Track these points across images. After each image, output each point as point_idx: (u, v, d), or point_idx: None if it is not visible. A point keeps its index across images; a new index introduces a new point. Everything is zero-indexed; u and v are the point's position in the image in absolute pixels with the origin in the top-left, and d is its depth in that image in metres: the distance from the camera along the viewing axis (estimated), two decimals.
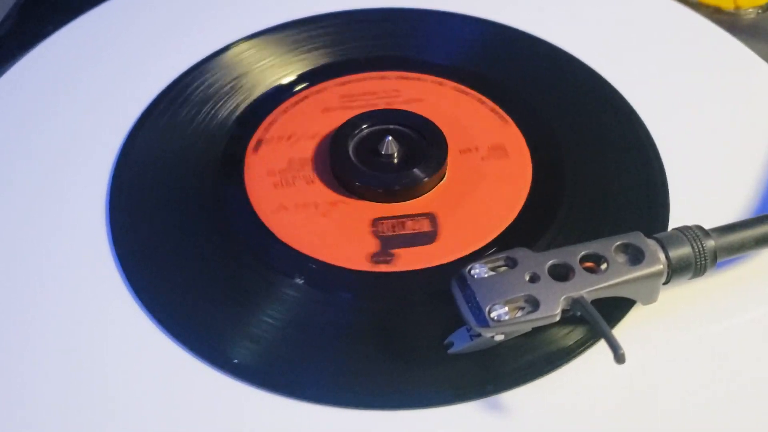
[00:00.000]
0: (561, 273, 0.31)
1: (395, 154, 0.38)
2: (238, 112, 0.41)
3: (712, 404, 0.31)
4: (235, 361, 0.32)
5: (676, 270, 0.32)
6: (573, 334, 0.32)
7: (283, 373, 0.32)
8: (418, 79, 0.42)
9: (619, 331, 0.33)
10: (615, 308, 0.33)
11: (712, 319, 0.33)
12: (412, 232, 0.36)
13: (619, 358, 0.29)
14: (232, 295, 0.34)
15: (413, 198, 0.37)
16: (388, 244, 0.36)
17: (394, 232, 0.36)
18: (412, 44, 0.44)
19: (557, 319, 0.30)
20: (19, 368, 0.32)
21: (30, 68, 0.43)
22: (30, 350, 0.33)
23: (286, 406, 0.31)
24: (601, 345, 0.31)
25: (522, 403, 0.31)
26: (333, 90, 0.42)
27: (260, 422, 0.31)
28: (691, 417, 0.31)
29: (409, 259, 0.35)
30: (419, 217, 0.36)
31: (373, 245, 0.35)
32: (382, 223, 0.36)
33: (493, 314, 0.30)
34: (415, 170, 0.37)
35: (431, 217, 0.36)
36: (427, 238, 0.36)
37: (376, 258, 0.35)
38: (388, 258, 0.35)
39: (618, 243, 0.32)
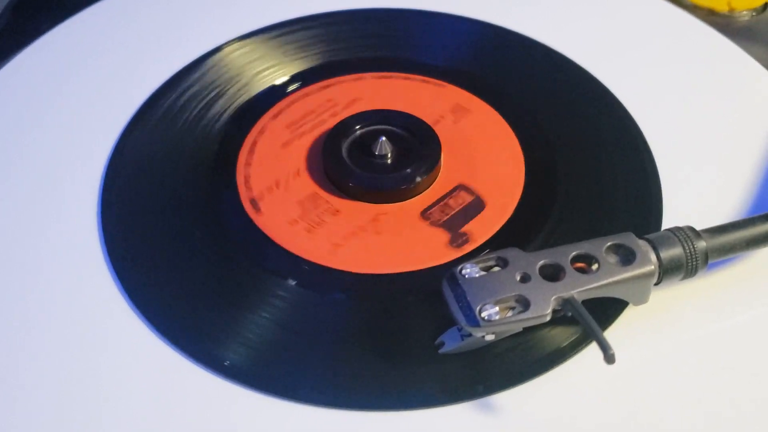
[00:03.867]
0: (552, 273, 0.31)
1: (388, 155, 0.38)
2: (232, 112, 0.41)
3: (703, 405, 0.31)
4: (227, 362, 0.32)
5: (668, 271, 0.32)
6: (565, 336, 0.32)
7: (274, 374, 0.32)
8: (415, 80, 0.42)
9: (609, 332, 0.33)
10: (608, 309, 0.33)
11: (703, 320, 0.33)
12: (461, 207, 0.36)
13: (609, 358, 0.29)
14: (224, 296, 0.34)
15: (407, 198, 0.37)
16: (453, 226, 0.36)
17: (447, 214, 0.36)
18: (407, 45, 0.44)
19: (548, 319, 0.30)
20: (12, 370, 0.32)
21: (23, 67, 0.43)
22: (21, 351, 0.33)
23: (278, 407, 0.31)
24: (593, 347, 0.31)
25: (513, 405, 0.31)
26: (328, 90, 0.42)
27: (252, 423, 0.31)
28: (683, 418, 0.31)
29: (480, 231, 0.36)
30: (454, 192, 0.37)
31: (433, 235, 0.36)
32: (431, 213, 0.36)
33: (484, 314, 0.30)
34: (409, 170, 0.37)
35: (462, 187, 0.37)
36: (478, 205, 0.36)
37: (454, 243, 0.35)
38: (464, 237, 0.35)
39: (609, 243, 0.32)
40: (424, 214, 0.37)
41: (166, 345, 0.33)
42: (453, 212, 0.37)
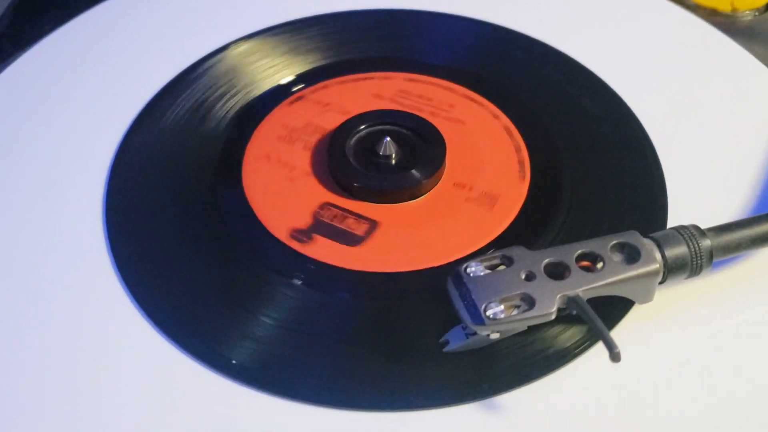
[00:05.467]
0: (557, 271, 0.31)
1: (393, 155, 0.38)
2: (236, 112, 0.41)
3: (709, 404, 0.31)
4: (233, 362, 0.32)
5: (672, 269, 0.32)
6: (571, 335, 0.32)
7: (280, 374, 0.32)
8: (419, 80, 0.42)
9: (615, 331, 0.33)
10: (613, 308, 0.33)
11: (708, 318, 0.33)
12: (344, 228, 0.36)
13: (615, 357, 0.29)
14: (229, 295, 0.34)
15: (412, 199, 0.37)
16: (317, 228, 0.36)
17: (330, 221, 0.36)
18: (410, 46, 0.44)
19: (553, 317, 0.30)
20: (15, 371, 0.32)
21: (26, 68, 0.43)
22: (26, 352, 0.33)
23: (284, 407, 0.31)
24: (599, 346, 0.31)
25: (519, 405, 0.31)
26: (331, 90, 0.42)
27: (257, 423, 0.31)
28: (688, 417, 0.31)
29: (323, 251, 0.35)
30: (363, 220, 0.36)
31: (305, 222, 0.36)
32: (329, 209, 0.36)
33: (489, 312, 0.30)
34: (413, 171, 0.37)
35: (373, 223, 0.36)
36: (352, 240, 0.36)
37: (295, 234, 0.35)
38: (305, 238, 0.35)
39: (614, 242, 0.32)
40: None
41: (171, 345, 0.33)
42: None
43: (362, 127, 0.39)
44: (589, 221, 0.36)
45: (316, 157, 0.39)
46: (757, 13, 0.47)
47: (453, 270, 0.31)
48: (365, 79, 0.42)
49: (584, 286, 0.31)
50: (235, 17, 0.45)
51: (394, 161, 0.38)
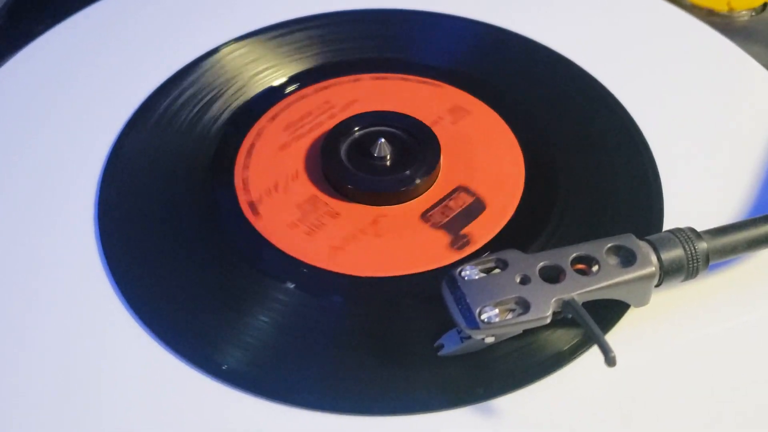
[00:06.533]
0: (552, 275, 0.31)
1: (387, 156, 0.38)
2: (229, 114, 0.41)
3: (706, 407, 0.31)
4: (225, 366, 0.32)
5: (668, 272, 0.32)
6: (566, 339, 0.32)
7: (273, 378, 0.32)
8: (413, 81, 0.42)
9: (610, 334, 0.32)
10: (609, 311, 0.33)
11: (704, 321, 0.33)
12: (461, 208, 0.36)
13: (610, 361, 0.29)
14: (222, 299, 0.34)
15: (407, 200, 0.37)
16: (453, 228, 0.36)
17: (447, 216, 0.36)
18: (404, 46, 0.44)
19: (548, 321, 0.30)
20: (7, 376, 0.32)
21: (19, 69, 0.43)
22: (18, 357, 0.32)
23: (277, 412, 0.31)
24: (594, 349, 0.31)
25: (514, 409, 0.31)
26: (326, 91, 0.41)
27: (249, 428, 0.31)
28: (684, 421, 0.31)
29: (480, 232, 0.36)
30: (454, 194, 0.37)
31: (433, 237, 0.36)
32: (431, 215, 0.36)
33: (484, 316, 0.30)
34: (408, 172, 0.37)
35: (462, 188, 0.37)
36: (479, 207, 0.36)
37: (455, 245, 0.35)
38: (465, 239, 0.35)
39: (610, 245, 0.32)
40: (425, 216, 0.36)
41: (164, 349, 0.32)
42: (453, 214, 0.36)
43: (356, 128, 0.39)
44: (584, 224, 0.36)
45: (311, 159, 0.39)
46: (753, 14, 0.46)
47: (448, 273, 0.31)
48: (360, 80, 0.42)
49: (579, 290, 0.30)
50: (228, 18, 0.45)
51: (388, 163, 0.38)
